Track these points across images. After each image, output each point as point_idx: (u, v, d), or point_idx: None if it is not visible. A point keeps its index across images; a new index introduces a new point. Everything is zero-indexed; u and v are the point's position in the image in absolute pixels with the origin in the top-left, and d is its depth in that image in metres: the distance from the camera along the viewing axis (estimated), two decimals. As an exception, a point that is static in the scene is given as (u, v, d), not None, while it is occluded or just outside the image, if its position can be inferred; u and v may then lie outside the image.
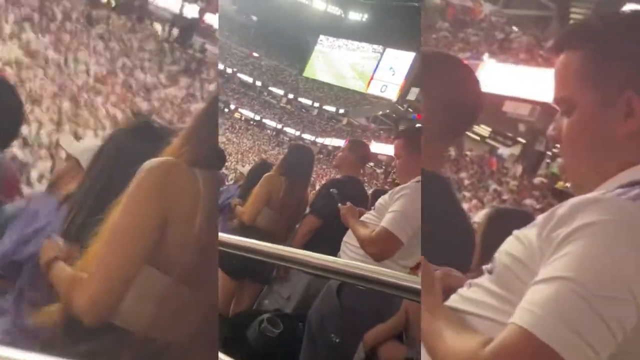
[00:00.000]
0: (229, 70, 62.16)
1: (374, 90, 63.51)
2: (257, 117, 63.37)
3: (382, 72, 63.40)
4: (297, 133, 62.79)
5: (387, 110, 57.24)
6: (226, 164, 38.48)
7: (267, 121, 63.76)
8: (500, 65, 23.96)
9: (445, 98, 1.66)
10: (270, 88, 67.39)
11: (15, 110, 2.61)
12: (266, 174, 4.82)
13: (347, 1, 68.70)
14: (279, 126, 63.74)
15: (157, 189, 1.53)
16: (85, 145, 2.32)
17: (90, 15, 29.96)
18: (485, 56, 25.14)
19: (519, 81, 22.03)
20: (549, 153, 21.54)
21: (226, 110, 56.64)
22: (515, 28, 29.36)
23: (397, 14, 54.51)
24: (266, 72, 69.17)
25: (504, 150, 25.57)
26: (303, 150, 5.11)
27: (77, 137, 18.13)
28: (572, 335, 0.94)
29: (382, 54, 64.53)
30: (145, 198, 1.52)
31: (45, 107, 20.35)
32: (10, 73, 21.33)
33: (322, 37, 70.61)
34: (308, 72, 70.60)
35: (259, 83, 66.91)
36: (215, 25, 33.28)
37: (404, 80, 56.74)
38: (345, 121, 64.29)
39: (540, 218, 1.12)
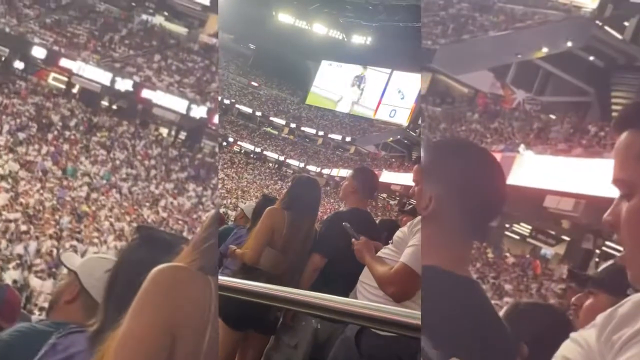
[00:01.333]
0: (227, 102, 62.44)
1: (382, 115, 63.88)
2: (258, 150, 63.43)
3: (390, 95, 63.71)
4: (301, 165, 62.70)
5: (398, 136, 57.47)
6: (225, 202, 37.95)
7: (269, 153, 63.86)
8: (538, 156, 23.51)
9: (462, 186, 1.65)
10: (271, 118, 67.91)
11: None
12: (268, 208, 4.78)
13: (350, 24, 69.62)
14: (282, 158, 63.72)
15: (165, 296, 1.56)
16: (90, 264, 2.36)
17: (90, 121, 30.87)
18: (521, 148, 24.73)
19: (559, 173, 21.56)
20: (598, 251, 21.25)
21: (224, 143, 56.41)
22: (552, 116, 29.28)
23: (402, 35, 54.94)
24: (266, 102, 69.61)
25: (546, 250, 25.24)
26: (308, 182, 5.05)
27: (79, 252, 18.30)
28: None
29: (389, 77, 64.93)
30: (152, 307, 1.54)
31: (44, 222, 20.64)
32: (4, 187, 21.81)
33: (324, 62, 71.46)
34: (311, 100, 71.23)
35: (258, 113, 67.41)
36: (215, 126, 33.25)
37: (415, 103, 56.59)
38: (352, 150, 64.24)
39: (599, 318, 1.09)
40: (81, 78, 32.42)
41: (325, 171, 61.10)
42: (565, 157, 22.24)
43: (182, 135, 34.63)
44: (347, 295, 3.83)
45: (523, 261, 22.75)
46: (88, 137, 29.65)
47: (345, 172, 52.42)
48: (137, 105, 33.19)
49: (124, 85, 32.09)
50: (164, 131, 34.73)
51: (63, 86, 34.10)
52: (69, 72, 32.84)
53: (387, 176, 43.03)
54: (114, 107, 33.96)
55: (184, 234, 22.66)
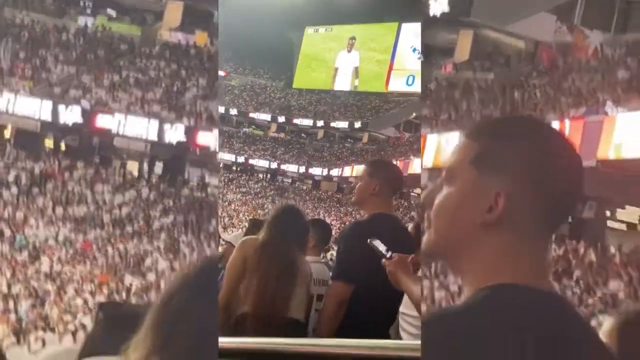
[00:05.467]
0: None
1: (396, 85, 62.95)
2: (241, 159, 64.06)
3: (403, 57, 62.68)
4: (302, 169, 63.57)
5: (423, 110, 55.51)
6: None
7: (256, 161, 64.43)
8: (633, 114, 23.24)
9: (538, 178, 1.68)
10: (251, 115, 68.25)
11: None
12: (242, 238, 5.07)
13: None
14: (274, 165, 64.21)
15: None
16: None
17: (33, 172, 30.92)
18: (609, 107, 24.86)
19: None
20: None
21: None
22: None
23: None
24: (241, 95, 70.27)
25: (671, 237, 24.97)
26: (288, 208, 5.41)
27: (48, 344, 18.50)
28: None
29: (397, 33, 63.83)
30: None
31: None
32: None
33: (307, 29, 71.24)
34: (299, 82, 71.17)
35: (233, 111, 67.81)
36: (213, 146, 33.11)
37: None
38: (365, 138, 64.51)
39: None
40: (12, 116, 32.52)
41: (335, 172, 61.65)
42: (672, 110, 22.05)
43: (159, 167, 34.52)
44: (386, 334, 4.00)
45: (638, 257, 22.34)
46: (34, 194, 29.68)
47: (362, 169, 51.37)
48: (92, 139, 33.43)
49: (71, 115, 32.04)
50: (133, 167, 34.70)
51: (-11, 131, 33.75)
52: (-7, 111, 32.40)
53: (418, 164, 42.57)
54: (62, 146, 34.07)
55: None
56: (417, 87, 59.45)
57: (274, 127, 67.16)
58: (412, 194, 46.40)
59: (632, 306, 17.67)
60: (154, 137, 31.71)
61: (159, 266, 26.18)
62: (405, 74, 62.08)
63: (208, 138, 31.74)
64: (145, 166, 34.60)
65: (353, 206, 31.26)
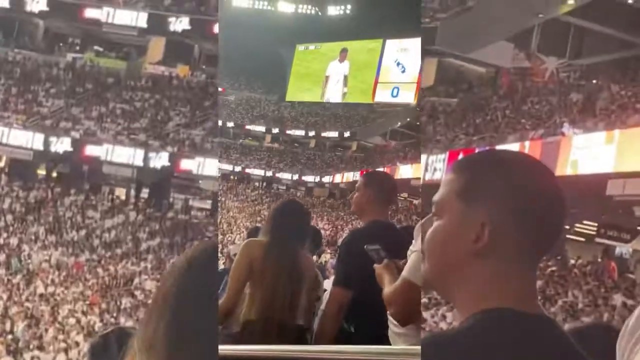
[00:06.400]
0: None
1: (382, 96, 63.00)
2: (238, 169, 63.85)
3: (388, 71, 63.04)
4: (295, 177, 63.56)
5: (408, 119, 55.96)
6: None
7: (252, 171, 64.40)
8: (588, 135, 23.29)
9: (520, 207, 1.67)
10: (247, 127, 68.28)
11: None
12: (245, 241, 4.94)
13: None
14: (269, 174, 64.17)
15: None
16: None
17: (27, 199, 31.09)
18: (566, 127, 24.70)
19: (619, 151, 21.11)
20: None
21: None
22: (595, 81, 29.26)
23: None
24: (237, 109, 70.30)
25: (622, 248, 25.21)
26: (290, 204, 5.25)
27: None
28: None
29: (382, 49, 64.01)
30: None
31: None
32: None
33: (298, 47, 71.61)
34: (291, 95, 71.37)
35: (230, 124, 67.45)
36: (212, 172, 33.05)
37: (419, 74, 53.97)
38: (354, 146, 64.35)
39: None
40: (6, 147, 32.71)
41: (327, 179, 61.48)
42: (623, 130, 21.91)
43: (145, 192, 34.70)
44: (385, 339, 3.93)
45: (595, 267, 22.55)
46: (28, 220, 29.80)
47: (352, 176, 52.67)
48: (82, 167, 33.49)
49: (61, 145, 32.25)
50: (120, 193, 34.87)
51: (-16, 161, 33.97)
52: (-11, 143, 32.85)
53: (404, 171, 42.50)
54: (54, 174, 34.19)
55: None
56: (401, 99, 60.44)
57: (268, 137, 67.65)
58: (399, 197, 46.27)
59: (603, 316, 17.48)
60: (139, 163, 31.94)
61: (147, 286, 26.15)
62: (390, 87, 62.68)
63: (190, 164, 31.80)
64: (132, 191, 34.53)
65: (352, 215, 30.97)
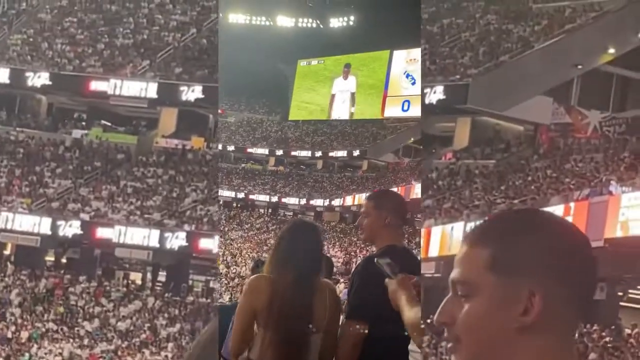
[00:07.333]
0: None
1: (392, 111, 62.49)
2: (241, 195, 63.01)
3: (397, 84, 62.43)
4: (302, 201, 62.76)
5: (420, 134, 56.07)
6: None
7: (256, 197, 63.58)
8: (638, 194, 23.00)
9: (562, 274, 1.59)
10: (249, 150, 67.69)
11: None
12: (250, 278, 4.91)
13: (322, 6, 69.45)
14: (274, 199, 63.26)
15: None
16: None
17: (35, 289, 30.39)
18: (613, 186, 24.39)
19: None
20: None
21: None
22: None
23: (392, 5, 54.56)
24: (237, 131, 69.80)
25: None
26: (300, 227, 4.98)
27: None
28: None
29: (389, 60, 63.60)
30: None
31: None
32: None
33: (300, 62, 71.25)
34: (294, 114, 70.91)
35: (231, 148, 66.86)
36: (214, 248, 32.75)
37: None
38: (365, 165, 63.93)
39: None
40: (12, 233, 32.19)
41: (337, 202, 60.87)
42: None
43: (162, 276, 34.23)
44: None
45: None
46: (37, 311, 29.27)
47: (363, 197, 51.76)
48: (93, 252, 32.93)
49: (70, 229, 31.72)
50: (136, 277, 34.47)
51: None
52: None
53: (419, 189, 41.85)
54: (63, 260, 33.68)
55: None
56: (413, 112, 59.00)
57: (272, 160, 68.19)
58: (416, 219, 45.74)
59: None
60: (155, 243, 31.45)
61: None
62: (400, 100, 62.09)
63: (210, 243, 31.63)
64: (149, 275, 34.71)
65: (364, 242, 30.92)
